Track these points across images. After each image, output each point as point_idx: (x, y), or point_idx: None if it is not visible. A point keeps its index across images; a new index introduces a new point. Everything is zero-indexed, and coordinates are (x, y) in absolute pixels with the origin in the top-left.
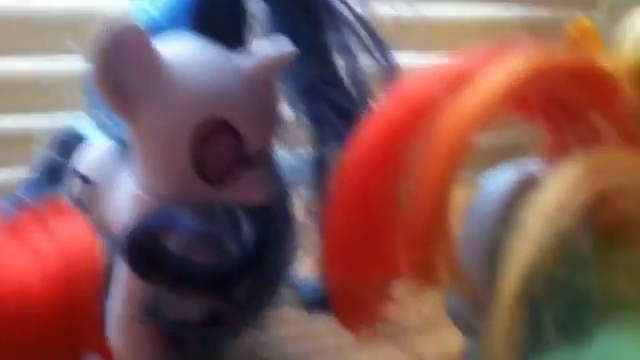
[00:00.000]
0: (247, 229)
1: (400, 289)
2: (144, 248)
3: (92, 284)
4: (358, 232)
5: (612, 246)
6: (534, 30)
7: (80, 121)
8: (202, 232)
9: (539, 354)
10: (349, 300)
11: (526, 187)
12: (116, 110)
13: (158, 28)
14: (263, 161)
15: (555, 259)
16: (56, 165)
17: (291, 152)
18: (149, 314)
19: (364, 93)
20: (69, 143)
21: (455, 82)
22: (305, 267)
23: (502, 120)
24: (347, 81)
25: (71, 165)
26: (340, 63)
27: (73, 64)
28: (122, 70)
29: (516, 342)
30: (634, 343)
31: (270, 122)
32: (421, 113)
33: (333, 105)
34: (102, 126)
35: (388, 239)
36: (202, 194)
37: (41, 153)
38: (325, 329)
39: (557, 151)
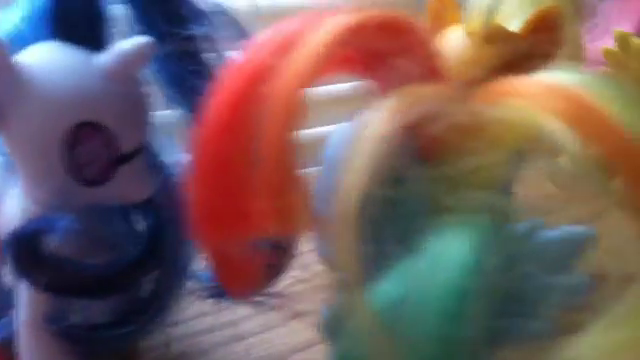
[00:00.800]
0: (139, 226)
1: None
2: (24, 251)
3: None
4: (218, 194)
5: (430, 164)
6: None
7: None
8: (85, 231)
9: (387, 267)
10: (227, 264)
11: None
12: None
13: (20, 39)
14: (140, 157)
15: (381, 181)
16: None
17: (172, 143)
18: (51, 320)
19: None
20: None
21: (283, 48)
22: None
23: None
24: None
25: None
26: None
27: None
28: None
29: (360, 259)
30: (455, 240)
31: (139, 117)
32: (257, 78)
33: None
34: None
35: (246, 196)
36: (81, 196)
37: None
38: (237, 317)
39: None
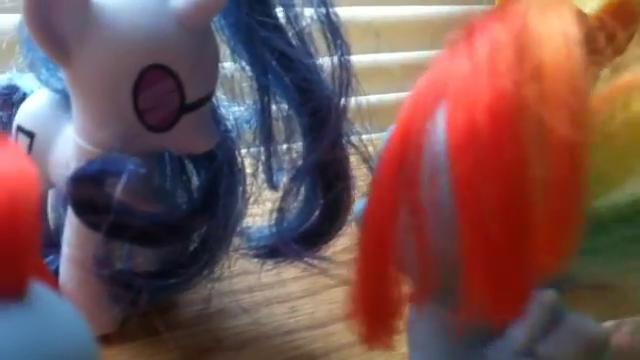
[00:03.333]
0: (195, 178)
1: None
2: (84, 193)
3: (32, 210)
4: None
5: None
6: None
7: (21, 76)
8: (146, 179)
9: None
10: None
11: None
12: (50, 54)
13: None
14: (205, 107)
15: None
16: None
17: (237, 101)
18: (98, 262)
19: (305, 40)
20: (10, 98)
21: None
22: (255, 217)
23: None
24: (287, 27)
25: (13, 120)
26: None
27: (11, 19)
28: (52, 9)
29: None
30: None
31: (209, 67)
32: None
33: (274, 50)
34: (41, 77)
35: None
36: (145, 142)
37: None
38: (281, 278)
39: None
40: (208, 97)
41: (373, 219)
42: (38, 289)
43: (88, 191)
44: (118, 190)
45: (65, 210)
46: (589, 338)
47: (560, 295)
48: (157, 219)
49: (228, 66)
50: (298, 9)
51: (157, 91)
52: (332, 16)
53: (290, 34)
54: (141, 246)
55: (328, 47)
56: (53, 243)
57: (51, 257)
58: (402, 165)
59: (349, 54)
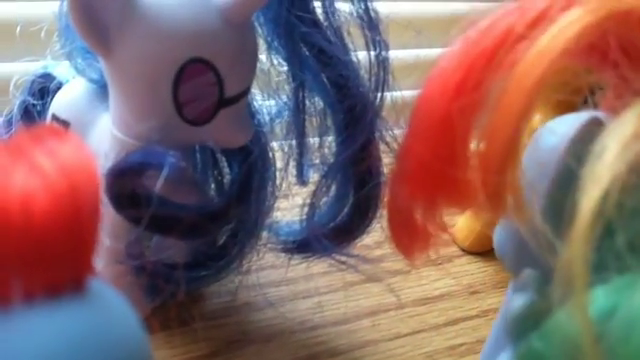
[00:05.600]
0: (229, 172)
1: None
2: (125, 186)
3: (94, 201)
4: (437, 157)
5: None
6: None
7: (57, 65)
8: (182, 172)
9: (610, 277)
10: (409, 224)
11: (592, 126)
12: (90, 43)
13: None
14: (241, 102)
15: (629, 187)
16: (31, 108)
17: (271, 96)
18: (131, 252)
19: (343, 38)
20: (46, 87)
21: (536, 20)
22: (283, 211)
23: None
24: (325, 22)
25: (48, 108)
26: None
27: (49, 7)
28: (95, 1)
29: (590, 265)
30: None
31: (249, 64)
32: (504, 45)
33: (312, 46)
34: (78, 67)
35: (464, 166)
36: (182, 134)
37: (18, 98)
38: (308, 273)
39: (618, 102)
40: (246, 92)
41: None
42: (96, 284)
43: (128, 184)
44: (159, 183)
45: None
46: None
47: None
48: (193, 211)
49: (264, 60)
50: (337, 4)
51: (197, 85)
52: (371, 12)
53: (329, 30)
54: (177, 238)
55: (366, 44)
56: None
57: None
58: None
59: (387, 51)
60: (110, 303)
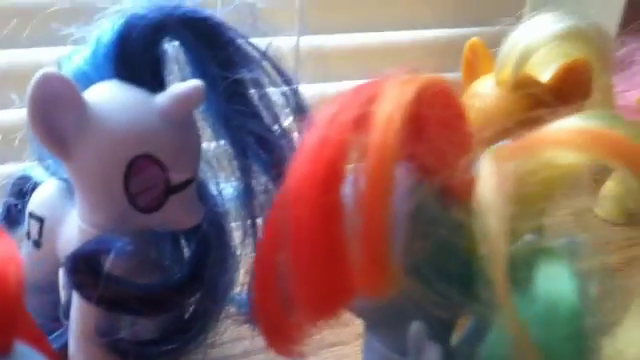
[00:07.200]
0: (186, 250)
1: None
2: (83, 270)
3: (17, 288)
4: (317, 269)
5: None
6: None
7: (33, 166)
8: (138, 253)
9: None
10: (279, 327)
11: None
12: (51, 150)
13: (85, 77)
14: (189, 187)
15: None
16: (12, 208)
17: (222, 179)
18: (101, 333)
19: (278, 122)
20: (23, 187)
21: (358, 122)
22: (243, 284)
23: None
24: (262, 111)
25: (26, 207)
26: (254, 96)
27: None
28: (51, 113)
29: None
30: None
31: (191, 152)
32: (340, 156)
33: (251, 134)
34: (48, 168)
35: (344, 268)
36: (136, 221)
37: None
38: None
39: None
40: (192, 179)
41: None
42: (22, 349)
43: (84, 268)
44: (107, 265)
45: (70, 287)
46: None
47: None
48: (146, 291)
49: (213, 147)
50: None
51: (145, 177)
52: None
53: (265, 118)
54: (137, 316)
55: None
56: (65, 317)
57: (62, 329)
58: None
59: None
60: None
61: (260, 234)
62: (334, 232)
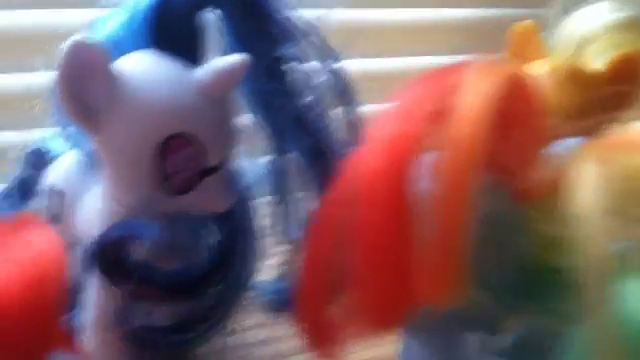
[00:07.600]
0: (213, 236)
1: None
2: (111, 256)
3: (60, 288)
4: (381, 272)
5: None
6: (485, 31)
7: (51, 137)
8: (167, 240)
9: None
10: (323, 330)
11: None
12: (79, 123)
13: (119, 45)
14: (223, 170)
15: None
16: (28, 180)
17: (252, 160)
18: (118, 320)
19: (319, 101)
20: (41, 158)
21: (434, 115)
22: (267, 271)
23: None
24: (304, 91)
25: (43, 179)
26: (295, 74)
27: (43, 80)
28: (82, 84)
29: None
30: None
31: (229, 134)
32: (412, 150)
33: (290, 114)
34: (71, 140)
35: (409, 272)
36: (166, 204)
37: (14, 170)
38: (290, 332)
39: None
40: (226, 161)
41: None
42: None
43: (111, 253)
44: (136, 252)
45: (86, 270)
46: None
47: None
48: (176, 278)
49: (247, 124)
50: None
51: (180, 157)
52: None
53: (307, 98)
54: (161, 304)
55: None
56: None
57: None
58: None
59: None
60: None
61: (303, 228)
62: (408, 237)
